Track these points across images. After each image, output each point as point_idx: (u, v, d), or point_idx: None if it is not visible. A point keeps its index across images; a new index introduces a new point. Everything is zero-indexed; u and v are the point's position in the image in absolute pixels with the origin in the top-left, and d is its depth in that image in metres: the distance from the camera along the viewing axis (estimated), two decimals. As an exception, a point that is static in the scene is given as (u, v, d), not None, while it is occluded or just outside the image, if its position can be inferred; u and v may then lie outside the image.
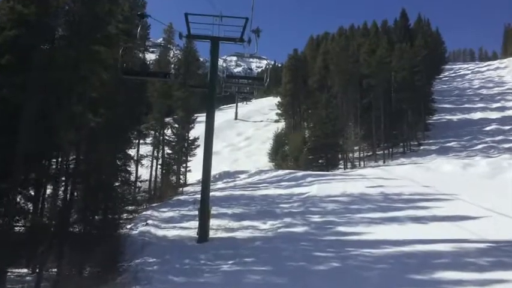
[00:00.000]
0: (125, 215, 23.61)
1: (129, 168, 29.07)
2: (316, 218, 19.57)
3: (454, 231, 15.18)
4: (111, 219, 20.34)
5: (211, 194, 29.54)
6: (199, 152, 29.10)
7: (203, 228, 17.58)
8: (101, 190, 19.64)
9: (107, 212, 20.58)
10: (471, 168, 32.53)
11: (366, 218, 18.65)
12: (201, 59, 42.77)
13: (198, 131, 38.76)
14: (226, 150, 62.84)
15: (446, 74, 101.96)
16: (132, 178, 32.16)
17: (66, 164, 16.34)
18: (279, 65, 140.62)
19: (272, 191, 28.20)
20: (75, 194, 18.47)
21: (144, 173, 34.41)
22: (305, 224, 18.73)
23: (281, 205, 24.16)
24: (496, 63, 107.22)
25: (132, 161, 28.32)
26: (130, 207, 27.97)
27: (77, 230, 18.92)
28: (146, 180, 34.43)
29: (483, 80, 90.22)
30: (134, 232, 20.27)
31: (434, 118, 63.16)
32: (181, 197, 29.45)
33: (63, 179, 16.77)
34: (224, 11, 17.67)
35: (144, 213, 24.86)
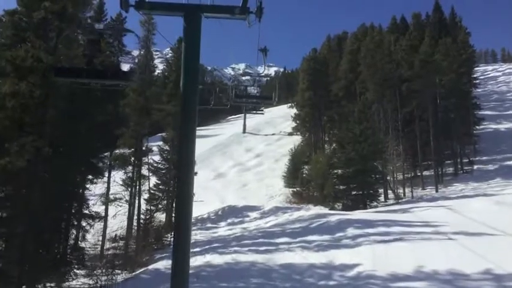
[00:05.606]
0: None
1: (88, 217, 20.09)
2: None
3: None
4: None
5: (206, 259, 20.01)
6: (198, 178, 19.53)
7: None
8: None
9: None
10: None
11: None
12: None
13: (197, 150, 29.18)
14: (233, 171, 53.26)
15: (474, 76, 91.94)
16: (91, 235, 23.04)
17: None
18: (289, 72, 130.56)
19: (298, 257, 18.47)
20: None
21: (113, 224, 25.06)
22: None
23: (317, 293, 14.65)
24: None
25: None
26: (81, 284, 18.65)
27: None
28: (115, 237, 25.15)
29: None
30: None
31: (479, 128, 53.01)
32: (161, 265, 19.61)
33: None
34: None
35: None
